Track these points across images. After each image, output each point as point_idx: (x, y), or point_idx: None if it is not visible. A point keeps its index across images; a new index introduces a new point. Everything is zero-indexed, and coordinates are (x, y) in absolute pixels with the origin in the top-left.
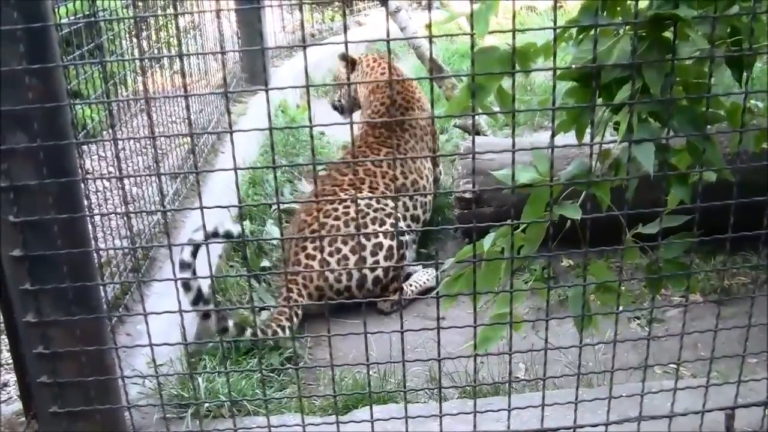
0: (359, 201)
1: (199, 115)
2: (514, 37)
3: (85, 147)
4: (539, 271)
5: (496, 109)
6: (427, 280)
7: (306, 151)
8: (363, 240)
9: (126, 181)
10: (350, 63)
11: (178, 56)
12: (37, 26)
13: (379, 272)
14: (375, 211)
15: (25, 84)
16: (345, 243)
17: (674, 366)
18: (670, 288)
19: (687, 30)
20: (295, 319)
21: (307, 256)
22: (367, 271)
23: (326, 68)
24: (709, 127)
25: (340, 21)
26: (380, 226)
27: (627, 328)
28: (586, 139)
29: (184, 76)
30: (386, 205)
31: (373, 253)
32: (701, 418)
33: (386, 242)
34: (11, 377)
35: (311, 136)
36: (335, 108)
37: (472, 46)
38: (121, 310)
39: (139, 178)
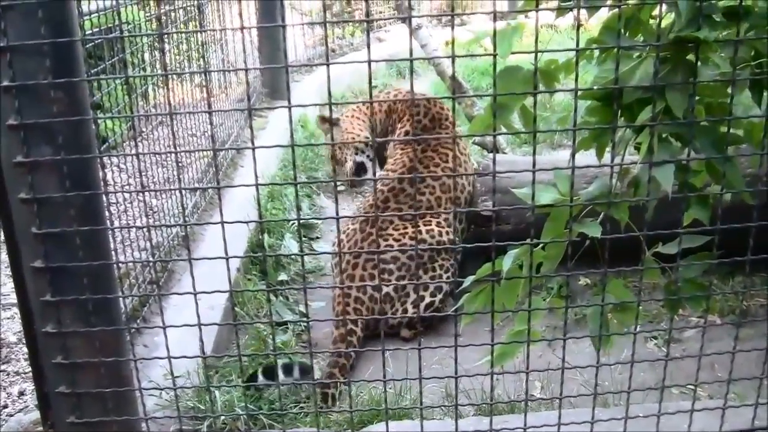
0: (432, 235)
1: (220, 128)
2: (536, 58)
3: (106, 159)
4: (556, 289)
5: (518, 125)
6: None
7: (325, 165)
8: (427, 280)
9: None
10: (331, 123)
11: (202, 72)
12: (63, 41)
13: (428, 312)
14: (445, 249)
15: (51, 97)
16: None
17: (691, 387)
18: (688, 308)
19: (709, 53)
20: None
21: (374, 288)
22: (421, 310)
23: (345, 84)
24: (729, 148)
25: (360, 36)
26: (443, 264)
27: (644, 348)
28: (607, 158)
29: (209, 93)
30: (453, 241)
31: (433, 294)
32: None
33: (445, 287)
34: (27, 386)
35: (333, 154)
36: (359, 166)
37: (495, 66)
38: (139, 321)
39: (158, 192)
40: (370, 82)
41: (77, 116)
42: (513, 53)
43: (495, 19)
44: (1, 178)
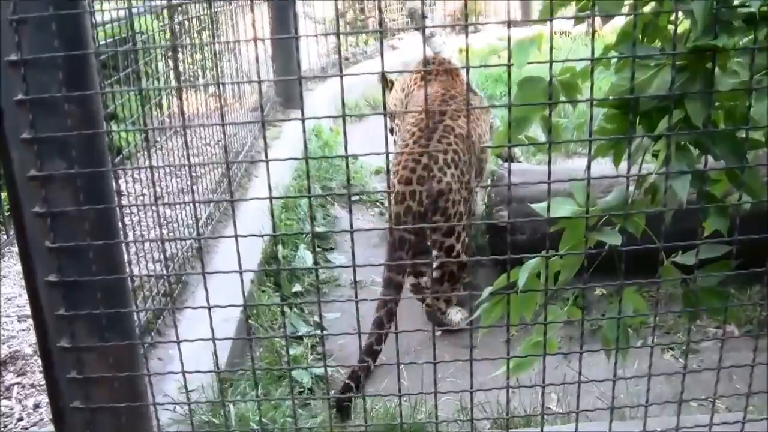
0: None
1: (234, 138)
2: (551, 68)
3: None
4: (572, 299)
5: (539, 133)
6: (460, 321)
7: (339, 174)
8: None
9: (159, 202)
10: (388, 83)
11: (216, 84)
12: (77, 54)
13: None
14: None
15: (64, 110)
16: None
17: (709, 400)
18: (705, 318)
19: (727, 60)
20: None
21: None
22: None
23: (359, 92)
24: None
25: (374, 44)
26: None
27: (661, 359)
28: (623, 166)
29: (221, 104)
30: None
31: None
32: None
33: (464, 257)
34: (43, 398)
35: (347, 165)
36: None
37: (509, 77)
38: (153, 334)
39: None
40: (383, 92)
41: (91, 129)
42: (528, 63)
43: (509, 27)
44: (15, 191)
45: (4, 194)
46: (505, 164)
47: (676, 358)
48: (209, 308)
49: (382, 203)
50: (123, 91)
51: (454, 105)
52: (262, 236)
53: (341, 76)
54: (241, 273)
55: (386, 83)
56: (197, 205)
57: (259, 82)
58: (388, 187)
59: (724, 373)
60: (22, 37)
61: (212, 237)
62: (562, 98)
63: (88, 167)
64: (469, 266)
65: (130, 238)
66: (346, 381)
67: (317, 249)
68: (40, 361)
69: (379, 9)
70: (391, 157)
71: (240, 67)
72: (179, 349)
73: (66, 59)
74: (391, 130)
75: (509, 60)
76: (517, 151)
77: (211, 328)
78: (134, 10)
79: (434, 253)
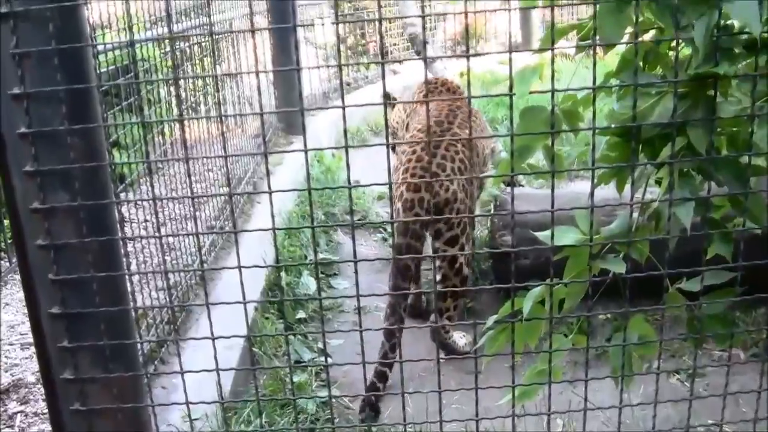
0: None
1: (236, 165)
2: (553, 97)
3: (122, 194)
4: (576, 326)
5: (541, 160)
6: (464, 345)
7: (342, 200)
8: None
9: (162, 230)
10: (391, 99)
11: (218, 117)
12: (79, 87)
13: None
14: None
15: (67, 143)
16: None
17: (716, 424)
18: (710, 341)
19: (729, 87)
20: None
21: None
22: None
23: (361, 117)
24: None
25: (375, 69)
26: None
27: (666, 383)
28: (626, 192)
29: (223, 134)
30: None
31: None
32: None
33: (466, 270)
34: (46, 426)
35: (350, 196)
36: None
37: (511, 106)
38: (157, 362)
39: (175, 228)
40: (386, 123)
41: (94, 161)
42: (530, 93)
43: (510, 53)
44: (18, 223)
45: (6, 221)
46: (508, 189)
47: (682, 382)
48: (213, 339)
49: (385, 229)
50: (126, 124)
51: (461, 114)
52: (265, 267)
53: (343, 108)
54: (245, 304)
55: (389, 99)
56: (200, 236)
57: (261, 114)
58: (391, 216)
59: (731, 396)
60: (25, 70)
61: (215, 268)
62: (564, 127)
63: (90, 199)
64: (470, 283)
65: (134, 264)
66: (367, 394)
67: (320, 275)
68: (43, 390)
69: (380, 35)
70: (394, 159)
71: (242, 93)
72: (183, 380)
73: (68, 92)
74: (393, 148)
75: (511, 89)
76: (519, 176)
77: (215, 358)
78: (136, 39)
79: (437, 263)
